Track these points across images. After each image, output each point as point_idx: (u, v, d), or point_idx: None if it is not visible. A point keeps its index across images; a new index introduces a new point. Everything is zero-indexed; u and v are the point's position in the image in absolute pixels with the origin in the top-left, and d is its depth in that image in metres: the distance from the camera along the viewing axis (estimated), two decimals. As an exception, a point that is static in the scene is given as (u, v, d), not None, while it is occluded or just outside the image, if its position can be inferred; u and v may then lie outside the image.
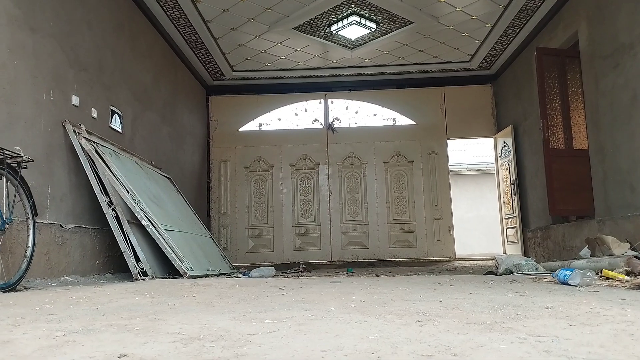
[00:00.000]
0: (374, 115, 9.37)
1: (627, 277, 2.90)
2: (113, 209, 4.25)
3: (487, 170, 13.28)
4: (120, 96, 5.43)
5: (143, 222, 4.12)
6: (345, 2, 6.46)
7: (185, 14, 6.55)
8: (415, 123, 9.19)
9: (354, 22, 6.79)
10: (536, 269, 4.09)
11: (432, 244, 8.83)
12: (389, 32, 7.33)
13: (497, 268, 4.36)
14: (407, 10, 6.63)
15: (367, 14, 6.79)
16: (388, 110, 9.32)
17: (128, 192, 4.26)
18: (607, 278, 3.03)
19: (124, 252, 4.01)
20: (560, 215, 5.72)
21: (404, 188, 9.03)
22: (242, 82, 9.18)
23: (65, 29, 4.34)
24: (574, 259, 4.56)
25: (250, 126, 9.43)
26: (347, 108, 9.42)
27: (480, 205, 16.31)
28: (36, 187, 3.75)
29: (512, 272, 4.09)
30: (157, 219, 4.46)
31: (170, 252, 4.11)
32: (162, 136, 6.82)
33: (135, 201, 4.23)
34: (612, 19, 5.14)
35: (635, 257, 3.00)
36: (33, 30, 3.85)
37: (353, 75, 9.01)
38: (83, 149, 4.22)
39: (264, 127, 9.45)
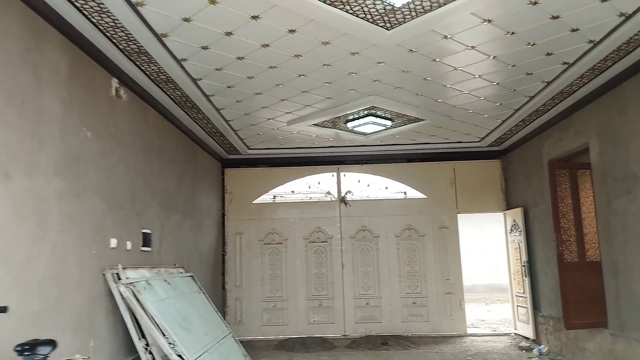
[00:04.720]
0: (386, 188, 9.58)
1: None
2: (150, 352, 4.43)
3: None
4: (149, 215, 5.64)
5: (180, 371, 4.31)
6: (362, 109, 6.69)
7: (206, 116, 6.77)
8: (426, 197, 9.40)
9: (370, 122, 7.02)
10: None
11: (444, 318, 8.99)
12: (403, 126, 7.55)
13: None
14: (421, 113, 6.85)
15: (382, 114, 7.01)
16: (399, 184, 9.53)
17: (164, 335, 4.45)
18: None
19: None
20: (575, 329, 5.89)
21: (416, 262, 9.21)
22: (257, 156, 9.39)
23: (105, 177, 4.55)
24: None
25: (265, 198, 9.63)
26: (359, 181, 9.63)
27: (484, 236, 16.52)
28: (80, 349, 3.94)
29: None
30: (188, 352, 4.64)
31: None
32: (184, 232, 7.01)
33: (171, 345, 4.41)
34: (625, 145, 5.35)
35: None
36: (78, 195, 4.06)
37: (365, 151, 9.22)
38: (122, 296, 4.41)
39: (277, 200, 9.65)
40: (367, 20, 4.13)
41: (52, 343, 2.82)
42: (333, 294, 9.21)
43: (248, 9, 3.96)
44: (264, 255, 9.39)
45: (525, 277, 8.15)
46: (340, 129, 7.74)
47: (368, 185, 9.62)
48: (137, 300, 4.52)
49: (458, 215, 9.30)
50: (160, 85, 5.51)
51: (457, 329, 8.93)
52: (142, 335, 4.50)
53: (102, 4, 3.71)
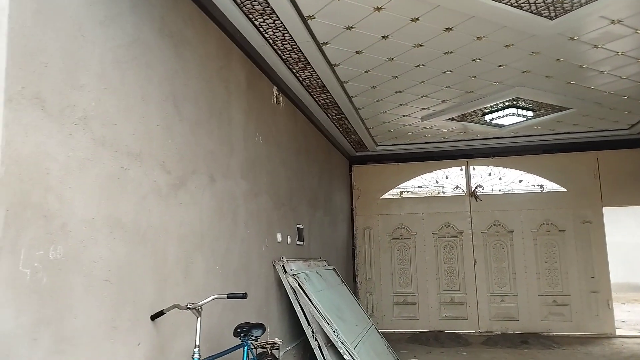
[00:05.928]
0: (519, 181, 9.20)
1: None
2: (315, 338, 4.78)
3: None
4: (301, 211, 6.03)
5: (346, 357, 4.59)
6: (504, 101, 6.52)
7: (344, 116, 7.04)
8: (565, 190, 8.87)
9: (511, 113, 6.81)
10: None
11: (589, 318, 8.44)
12: (545, 115, 7.22)
13: None
14: (568, 101, 6.51)
15: (523, 105, 6.77)
16: (534, 176, 9.09)
17: (328, 323, 4.76)
18: None
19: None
20: None
21: (555, 258, 8.74)
22: (383, 152, 9.53)
23: (271, 178, 4.98)
24: None
25: (391, 194, 9.74)
26: (489, 174, 9.36)
27: (616, 231, 15.13)
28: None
29: None
30: (347, 339, 4.92)
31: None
32: (325, 228, 7.38)
33: (335, 333, 4.71)
34: None
35: None
36: (256, 195, 4.50)
37: (495, 143, 8.95)
38: (290, 286, 4.80)
39: (404, 195, 9.72)
40: (532, 12, 4.04)
41: (262, 327, 3.20)
42: (465, 290, 9.08)
43: (410, 12, 4.08)
44: (392, 249, 9.53)
45: (690, 276, 7.38)
46: (474, 122, 7.59)
47: (500, 179, 9.31)
48: (302, 290, 4.89)
49: (603, 208, 8.65)
50: (310, 90, 5.86)
51: (604, 329, 8.34)
52: (307, 322, 4.85)
53: (278, 19, 4.07)
